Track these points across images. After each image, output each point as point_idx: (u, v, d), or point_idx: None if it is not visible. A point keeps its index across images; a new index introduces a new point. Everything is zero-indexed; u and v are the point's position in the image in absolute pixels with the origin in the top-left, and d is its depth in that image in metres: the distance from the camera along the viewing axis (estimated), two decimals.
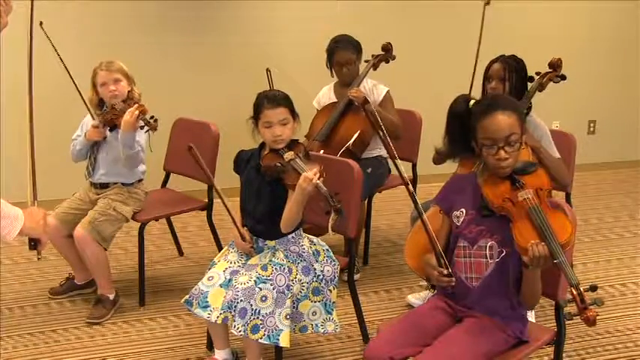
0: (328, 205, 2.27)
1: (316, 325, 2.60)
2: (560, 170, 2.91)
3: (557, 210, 2.03)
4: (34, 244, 2.31)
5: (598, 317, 1.83)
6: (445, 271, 2.09)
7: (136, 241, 3.36)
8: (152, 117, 3.12)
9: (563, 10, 5.51)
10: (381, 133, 2.27)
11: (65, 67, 3.16)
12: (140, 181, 3.40)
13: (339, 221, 2.27)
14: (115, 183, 3.32)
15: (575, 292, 1.84)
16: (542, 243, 1.89)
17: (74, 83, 3.18)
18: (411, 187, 2.18)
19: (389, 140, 2.25)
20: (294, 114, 2.57)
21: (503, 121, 2.03)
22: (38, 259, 2.58)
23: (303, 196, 2.38)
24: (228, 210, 2.57)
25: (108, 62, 3.26)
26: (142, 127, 3.11)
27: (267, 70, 3.70)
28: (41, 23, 3.09)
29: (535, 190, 2.03)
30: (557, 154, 2.96)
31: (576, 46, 5.52)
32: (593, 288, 1.86)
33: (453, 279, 2.09)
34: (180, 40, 4.86)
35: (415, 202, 2.16)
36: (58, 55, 3.14)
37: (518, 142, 2.05)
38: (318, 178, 2.33)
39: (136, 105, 3.13)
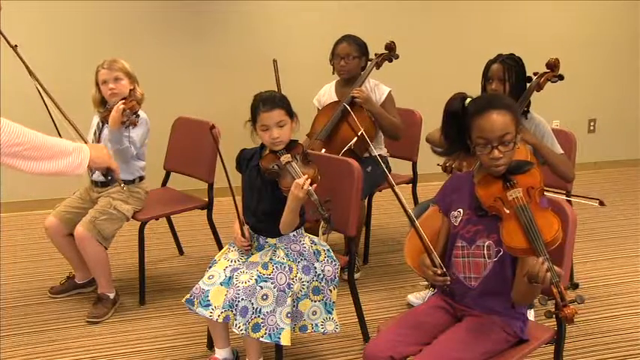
0: (317, 213, 2.28)
1: (316, 324, 2.60)
2: (563, 165, 2.93)
3: (547, 208, 2.02)
4: (110, 177, 2.39)
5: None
6: (439, 271, 2.09)
7: (136, 240, 3.36)
8: (134, 113, 3.09)
9: (563, 9, 5.51)
10: (362, 136, 2.31)
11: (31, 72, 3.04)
12: (141, 179, 3.40)
13: (329, 229, 2.29)
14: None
15: (555, 290, 1.83)
16: (546, 265, 1.83)
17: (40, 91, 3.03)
18: (397, 189, 2.17)
19: (369, 142, 2.26)
20: (291, 114, 2.56)
21: (497, 120, 2.02)
22: (122, 187, 2.80)
23: (295, 202, 2.40)
24: (235, 204, 2.58)
25: (111, 61, 3.26)
26: (122, 123, 3.08)
27: (274, 60, 3.68)
28: (16, 46, 2.99)
29: (526, 189, 2.03)
30: (560, 150, 2.98)
31: (576, 44, 5.53)
32: (575, 286, 1.86)
33: (448, 278, 2.10)
34: (181, 40, 4.87)
35: (403, 205, 2.15)
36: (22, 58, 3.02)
37: (513, 142, 2.05)
38: (311, 184, 2.35)
39: (122, 101, 3.11)
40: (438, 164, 2.95)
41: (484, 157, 2.06)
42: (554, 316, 1.84)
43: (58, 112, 2.98)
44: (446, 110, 2.17)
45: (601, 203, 2.97)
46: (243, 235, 2.60)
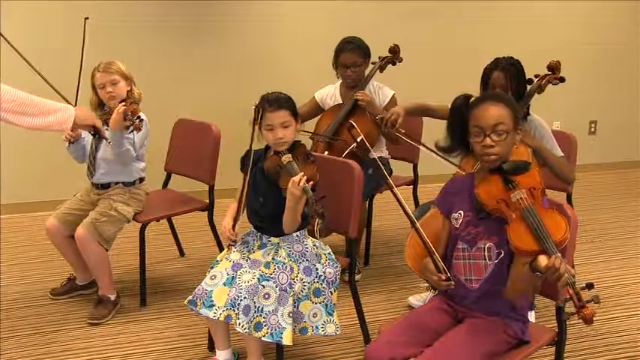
0: (312, 209, 2.29)
1: (316, 327, 2.60)
2: (563, 168, 2.93)
3: (551, 208, 2.03)
4: (97, 135, 2.72)
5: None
6: (444, 276, 2.09)
7: (137, 242, 3.36)
8: (137, 117, 3.09)
9: (563, 10, 5.52)
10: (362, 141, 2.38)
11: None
12: (142, 180, 3.40)
13: (324, 226, 2.30)
14: (117, 183, 3.32)
15: (571, 291, 1.83)
16: (565, 260, 1.85)
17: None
18: (397, 191, 2.17)
19: (369, 147, 2.34)
20: (296, 116, 2.58)
21: (492, 110, 2.04)
22: (109, 142, 3.00)
23: (293, 200, 2.42)
24: (241, 198, 2.60)
25: (106, 63, 3.24)
26: (127, 128, 3.06)
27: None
28: (86, 19, 3.23)
29: (529, 189, 2.03)
30: (560, 153, 2.98)
31: (577, 46, 5.53)
32: (590, 286, 1.85)
33: (453, 282, 2.09)
34: (182, 41, 4.87)
35: (403, 207, 2.15)
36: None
37: (506, 133, 2.05)
38: (307, 182, 2.36)
39: (122, 104, 3.10)
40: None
41: (477, 146, 2.07)
42: (571, 317, 1.84)
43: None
44: (451, 108, 2.18)
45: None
46: (233, 227, 2.61)
